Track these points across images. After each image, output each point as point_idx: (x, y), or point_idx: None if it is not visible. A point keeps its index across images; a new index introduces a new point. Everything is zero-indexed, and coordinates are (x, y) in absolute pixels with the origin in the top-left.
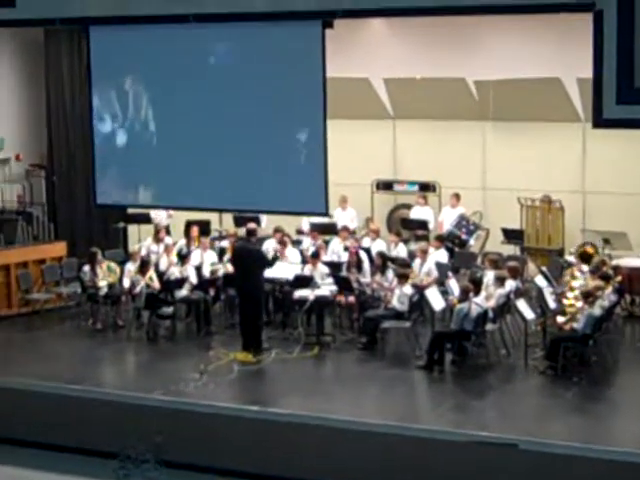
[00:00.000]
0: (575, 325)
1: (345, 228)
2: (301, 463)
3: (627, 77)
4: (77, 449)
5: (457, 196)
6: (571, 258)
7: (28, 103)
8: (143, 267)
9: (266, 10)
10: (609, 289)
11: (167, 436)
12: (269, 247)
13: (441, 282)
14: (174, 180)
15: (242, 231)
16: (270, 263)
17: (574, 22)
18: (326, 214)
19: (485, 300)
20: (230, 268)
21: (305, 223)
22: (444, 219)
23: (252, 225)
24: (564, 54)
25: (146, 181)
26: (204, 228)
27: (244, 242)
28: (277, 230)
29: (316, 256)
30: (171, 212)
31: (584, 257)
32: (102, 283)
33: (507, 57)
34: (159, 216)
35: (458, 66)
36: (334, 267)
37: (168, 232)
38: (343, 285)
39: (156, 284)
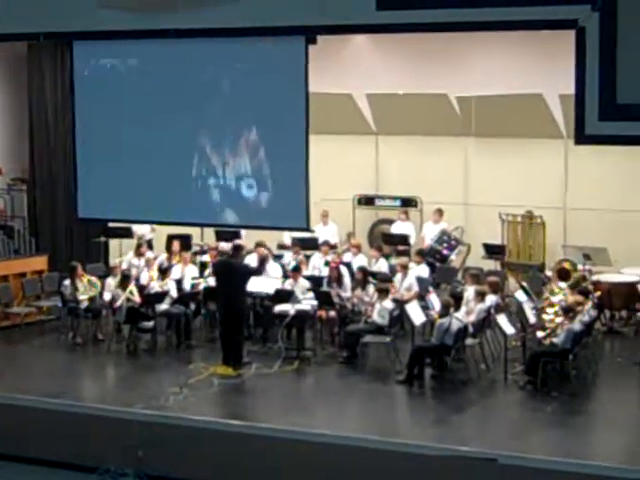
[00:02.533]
0: (555, 340)
1: (326, 243)
2: (281, 477)
3: (609, 93)
4: (56, 463)
5: (440, 211)
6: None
7: (10, 116)
8: (124, 281)
9: (250, 25)
10: (589, 304)
11: (147, 450)
12: (250, 262)
13: (422, 297)
14: (154, 195)
15: (223, 245)
16: (254, 272)
17: (557, 38)
18: (307, 229)
19: (465, 315)
20: (211, 282)
21: (287, 238)
22: (426, 234)
23: (239, 241)
24: (546, 70)
25: (126, 195)
26: (185, 242)
27: (227, 257)
28: (259, 244)
29: (297, 270)
30: (154, 226)
31: (561, 274)
32: (83, 297)
33: (490, 73)
34: (142, 230)
35: (441, 82)
36: (315, 282)
37: (150, 246)
38: (324, 300)
39: (137, 298)
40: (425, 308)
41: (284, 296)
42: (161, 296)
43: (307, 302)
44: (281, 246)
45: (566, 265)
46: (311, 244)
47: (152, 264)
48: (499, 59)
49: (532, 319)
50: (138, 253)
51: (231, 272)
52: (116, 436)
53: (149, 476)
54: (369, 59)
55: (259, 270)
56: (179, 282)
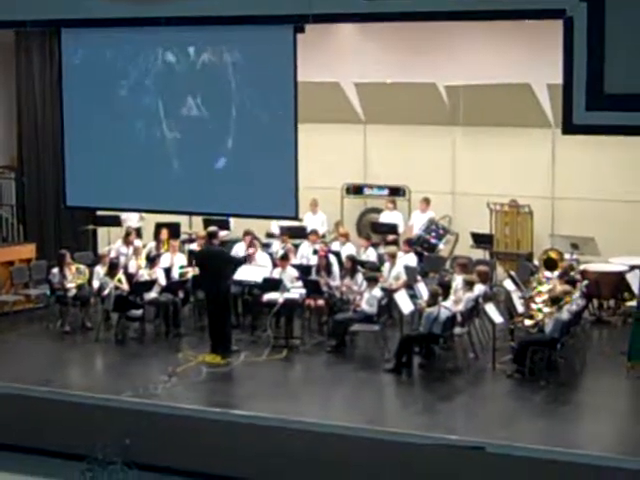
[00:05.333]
0: (543, 329)
1: (314, 232)
2: (269, 465)
3: (597, 83)
4: (44, 451)
5: (427, 200)
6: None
7: None
8: (112, 269)
9: (238, 14)
10: (576, 294)
11: (135, 438)
12: (239, 250)
13: (410, 286)
14: (142, 183)
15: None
16: (237, 263)
17: (545, 28)
18: (296, 218)
19: (454, 304)
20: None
21: (275, 226)
22: (414, 223)
23: (212, 228)
24: (534, 60)
25: (115, 184)
26: (174, 231)
27: (207, 245)
28: (247, 233)
29: (285, 258)
30: (143, 215)
31: (548, 264)
32: (71, 285)
33: (477, 62)
34: (130, 219)
35: (429, 71)
36: (303, 270)
37: (139, 235)
38: (312, 288)
39: (125, 286)
40: (413, 297)
41: (272, 285)
42: (149, 284)
43: (295, 291)
44: (269, 235)
45: (553, 254)
46: (299, 233)
47: (140, 252)
48: (487, 48)
49: (520, 308)
50: (127, 241)
51: (211, 259)
52: (104, 424)
53: (137, 464)
54: (357, 48)
55: (246, 258)
56: (167, 270)
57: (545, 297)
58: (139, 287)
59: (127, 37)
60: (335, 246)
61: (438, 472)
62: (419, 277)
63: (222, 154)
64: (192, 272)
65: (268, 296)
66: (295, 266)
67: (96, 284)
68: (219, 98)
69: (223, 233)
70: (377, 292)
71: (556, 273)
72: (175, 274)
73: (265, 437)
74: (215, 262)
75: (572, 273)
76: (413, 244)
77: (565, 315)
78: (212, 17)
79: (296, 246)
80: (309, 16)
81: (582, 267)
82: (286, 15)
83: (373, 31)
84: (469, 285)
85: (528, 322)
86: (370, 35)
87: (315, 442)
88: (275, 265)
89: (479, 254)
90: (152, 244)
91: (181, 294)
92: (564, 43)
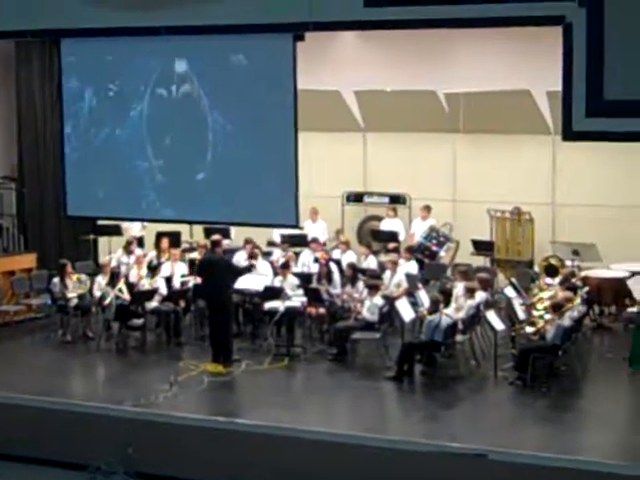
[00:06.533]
0: (544, 336)
1: (316, 240)
2: (271, 474)
3: (596, 90)
4: (46, 461)
5: (428, 208)
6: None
7: None
8: (113, 279)
9: (237, 23)
10: (578, 300)
11: (137, 447)
12: (240, 259)
13: (411, 293)
14: (144, 192)
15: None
16: (239, 272)
17: (544, 35)
18: (297, 226)
19: (455, 311)
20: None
21: (276, 235)
22: (415, 231)
23: (216, 236)
24: (534, 67)
25: (116, 194)
26: (174, 240)
27: (210, 253)
28: (248, 241)
29: (286, 267)
30: (145, 224)
31: (549, 270)
32: (72, 295)
33: (477, 69)
34: (132, 228)
35: (429, 78)
36: (304, 278)
37: (141, 244)
38: (313, 296)
39: (126, 296)
40: (414, 305)
41: (273, 293)
42: (150, 294)
43: (297, 299)
44: (270, 243)
45: (553, 261)
46: (300, 241)
47: (142, 261)
48: (487, 56)
49: (521, 315)
50: (128, 251)
51: (214, 267)
52: (106, 434)
53: (139, 474)
54: (357, 56)
55: (249, 267)
56: (168, 280)
57: (546, 304)
58: (140, 296)
59: (125, 46)
60: (336, 254)
61: (440, 479)
62: (420, 285)
63: (223, 164)
64: (193, 281)
65: (269, 304)
66: (296, 274)
67: (97, 294)
68: (219, 107)
69: (224, 242)
70: (378, 300)
71: (557, 280)
72: (176, 283)
73: (267, 446)
74: (217, 271)
75: (573, 280)
76: (414, 252)
77: (566, 322)
78: (212, 26)
79: (297, 254)
80: (309, 24)
81: (583, 273)
82: (286, 23)
83: (373, 39)
84: (470, 292)
85: (529, 329)
86: (370, 43)
87: (316, 450)
88: (276, 273)
89: (480, 261)
90: (153, 253)
91: (182, 303)
92: (563, 49)
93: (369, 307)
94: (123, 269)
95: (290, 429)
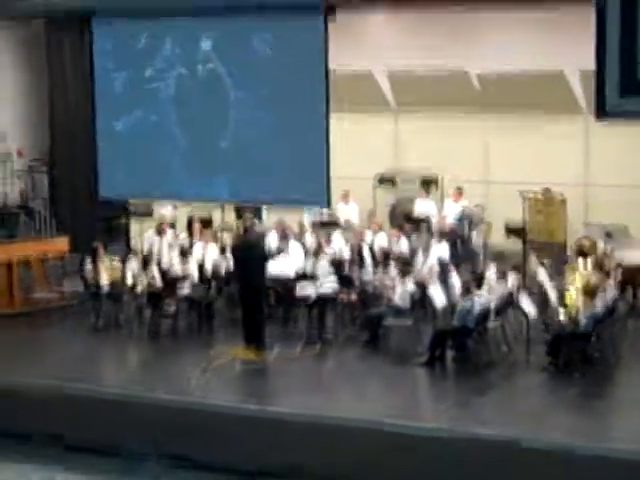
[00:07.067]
0: (577, 321)
1: (348, 222)
2: (303, 460)
3: (630, 69)
4: (79, 447)
5: (460, 190)
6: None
7: (30, 97)
8: (145, 265)
9: (269, 3)
10: (611, 283)
11: (169, 433)
12: (271, 240)
13: (443, 277)
14: (175, 173)
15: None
16: (271, 256)
17: (577, 14)
18: (328, 207)
19: (487, 296)
20: (232, 263)
21: (307, 219)
22: (447, 213)
23: (250, 218)
24: (567, 46)
25: (148, 174)
26: (206, 222)
27: (244, 237)
28: (279, 223)
29: (318, 250)
30: (176, 205)
31: (580, 252)
32: (104, 281)
33: (509, 49)
34: (166, 209)
35: (460, 58)
36: (336, 265)
37: (173, 226)
38: (345, 283)
39: (158, 282)
40: (446, 289)
41: (305, 279)
42: (182, 279)
43: (328, 285)
44: (302, 226)
45: (586, 242)
46: (332, 223)
47: (174, 247)
48: (519, 35)
49: (554, 299)
50: (159, 230)
51: (247, 251)
52: (138, 420)
53: (171, 459)
54: (388, 36)
55: (280, 249)
56: (201, 265)
57: (579, 287)
58: (172, 282)
59: (156, 26)
60: (368, 236)
61: (471, 465)
62: (452, 268)
63: (254, 143)
64: (225, 264)
65: (301, 292)
66: (328, 260)
67: (129, 280)
68: (251, 88)
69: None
70: (410, 286)
71: (590, 262)
72: (208, 266)
73: (298, 431)
74: (251, 255)
75: (606, 262)
76: (446, 234)
77: (600, 306)
78: (243, 6)
79: (329, 236)
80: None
81: (616, 255)
82: (317, 3)
83: (405, 19)
84: (502, 276)
85: (562, 313)
86: (402, 23)
87: (349, 437)
88: (307, 256)
89: (512, 244)
90: (184, 235)
91: (214, 288)
92: (597, 29)
93: (401, 294)
94: (155, 249)
95: (322, 415)
